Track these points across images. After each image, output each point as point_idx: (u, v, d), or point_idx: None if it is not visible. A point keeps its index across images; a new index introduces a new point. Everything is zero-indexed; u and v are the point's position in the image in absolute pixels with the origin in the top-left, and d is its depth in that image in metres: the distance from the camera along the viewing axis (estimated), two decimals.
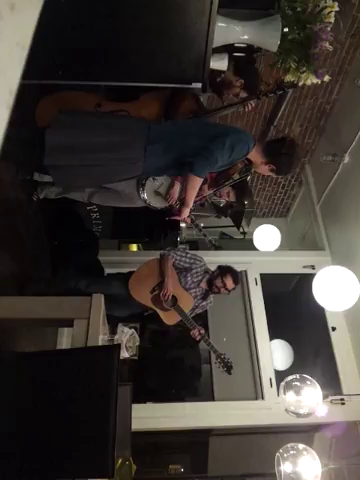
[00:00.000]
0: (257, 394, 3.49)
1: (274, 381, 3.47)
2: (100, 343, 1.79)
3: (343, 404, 3.31)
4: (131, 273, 2.94)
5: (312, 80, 2.25)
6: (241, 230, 3.75)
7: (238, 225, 3.66)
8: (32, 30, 0.66)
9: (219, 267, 3.02)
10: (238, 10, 2.20)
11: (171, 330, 3.73)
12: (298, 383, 2.56)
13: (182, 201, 2.34)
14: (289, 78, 2.26)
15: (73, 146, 2.14)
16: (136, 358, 2.44)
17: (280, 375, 3.31)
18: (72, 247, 3.45)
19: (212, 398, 3.49)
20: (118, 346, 1.64)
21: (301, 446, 2.54)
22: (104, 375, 1.52)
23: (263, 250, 4.70)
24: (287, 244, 5.11)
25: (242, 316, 3.83)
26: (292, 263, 4.15)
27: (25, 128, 2.26)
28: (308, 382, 2.57)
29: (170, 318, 2.85)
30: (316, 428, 3.46)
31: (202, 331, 2.86)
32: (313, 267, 3.99)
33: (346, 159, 3.87)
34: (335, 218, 4.16)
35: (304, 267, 4.05)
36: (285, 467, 2.47)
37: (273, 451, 2.58)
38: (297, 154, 2.43)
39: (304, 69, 2.18)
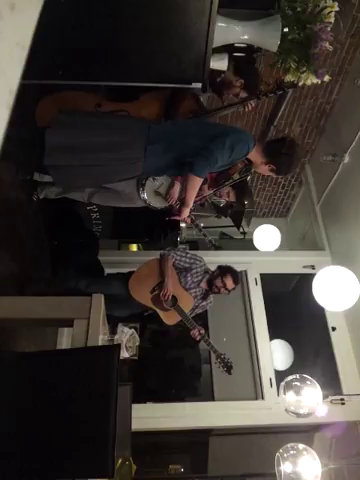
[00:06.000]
0: (257, 394, 3.49)
1: (274, 381, 3.47)
2: (100, 343, 1.79)
3: (343, 404, 3.31)
4: (131, 273, 2.94)
5: (312, 80, 2.25)
6: (241, 230, 3.75)
7: (238, 225, 3.66)
8: (32, 30, 0.66)
9: (219, 267, 3.02)
10: (238, 10, 2.20)
11: (171, 330, 3.73)
12: (298, 383, 2.56)
13: (182, 201, 2.34)
14: (289, 78, 2.26)
15: (73, 146, 2.14)
16: (136, 358, 2.44)
17: (280, 375, 3.31)
18: (72, 247, 3.45)
19: (212, 398, 3.49)
20: (118, 346, 1.64)
21: (301, 446, 2.54)
22: (104, 375, 1.52)
23: (263, 250, 4.70)
24: (287, 244, 5.11)
25: (242, 316, 3.83)
26: (292, 263, 4.15)
27: (25, 128, 2.26)
28: (308, 382, 2.57)
29: (170, 318, 2.85)
30: (316, 428, 3.46)
31: (202, 331, 2.86)
32: (313, 267, 3.99)
33: (346, 159, 3.87)
34: (335, 218, 4.16)
35: (304, 267, 4.05)
36: (285, 467, 2.47)
37: (273, 451, 2.58)
38: (297, 154, 2.43)
39: (304, 69, 2.18)
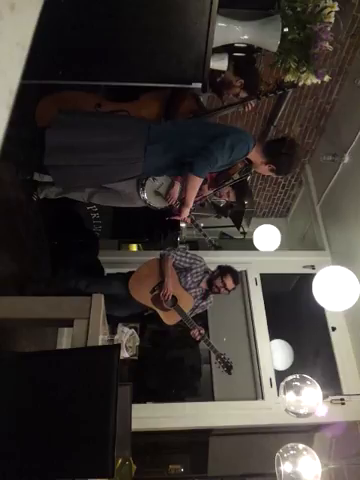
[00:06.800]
0: (257, 394, 3.49)
1: (274, 381, 3.47)
2: (100, 343, 1.79)
3: (343, 404, 3.31)
4: (131, 273, 2.94)
5: (312, 80, 2.25)
6: (241, 230, 3.75)
7: (238, 225, 3.66)
8: (32, 30, 0.66)
9: (219, 267, 3.02)
10: (238, 10, 2.20)
11: (171, 330, 3.73)
12: (298, 383, 2.56)
13: (182, 201, 2.34)
14: (289, 78, 2.26)
15: (73, 146, 2.14)
16: (136, 358, 2.44)
17: (280, 375, 3.31)
18: (72, 247, 3.45)
19: (212, 398, 3.49)
20: (118, 346, 1.64)
21: (301, 446, 2.54)
22: (104, 375, 1.52)
23: (263, 250, 4.70)
24: (287, 244, 5.11)
25: (242, 316, 3.83)
26: (292, 263, 4.15)
27: (25, 128, 2.26)
28: (308, 382, 2.57)
29: (170, 318, 2.85)
30: (316, 428, 3.46)
31: (202, 331, 2.86)
32: (313, 267, 3.99)
33: (346, 159, 3.87)
34: (335, 218, 4.16)
35: (304, 267, 4.05)
36: (285, 467, 2.47)
37: (273, 451, 2.58)
38: (297, 154, 2.42)
39: (304, 69, 2.18)
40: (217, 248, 2.96)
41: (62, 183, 2.43)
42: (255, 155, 2.28)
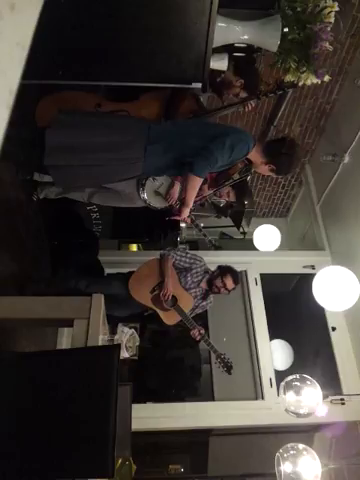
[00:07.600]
0: (257, 394, 3.49)
1: (274, 381, 3.47)
2: (100, 343, 1.79)
3: (343, 404, 3.31)
4: (131, 273, 2.94)
5: (312, 80, 2.25)
6: (241, 230, 3.75)
7: (238, 225, 3.66)
8: (32, 30, 0.66)
9: (219, 267, 3.02)
10: (238, 10, 2.20)
11: (171, 330, 3.73)
12: (298, 383, 2.56)
13: (182, 201, 2.34)
14: (289, 78, 2.26)
15: (73, 146, 2.14)
16: (136, 358, 2.44)
17: (280, 375, 3.31)
18: (72, 247, 3.45)
19: (212, 398, 3.49)
20: (118, 346, 1.64)
21: (301, 446, 2.54)
22: (104, 375, 1.52)
23: (263, 250, 4.70)
24: (287, 244, 5.11)
25: (242, 316, 3.83)
26: (292, 263, 4.15)
27: (25, 128, 2.26)
28: (308, 382, 2.57)
29: (170, 318, 2.85)
30: (316, 428, 3.46)
31: (202, 331, 2.86)
32: (313, 267, 3.99)
33: (346, 159, 3.87)
34: (335, 218, 4.16)
35: (304, 267, 4.05)
36: (285, 467, 2.47)
37: (273, 451, 2.58)
38: (297, 154, 2.42)
39: (304, 69, 2.18)
40: (217, 248, 2.96)
41: (62, 183, 2.43)
42: (255, 155, 2.28)
